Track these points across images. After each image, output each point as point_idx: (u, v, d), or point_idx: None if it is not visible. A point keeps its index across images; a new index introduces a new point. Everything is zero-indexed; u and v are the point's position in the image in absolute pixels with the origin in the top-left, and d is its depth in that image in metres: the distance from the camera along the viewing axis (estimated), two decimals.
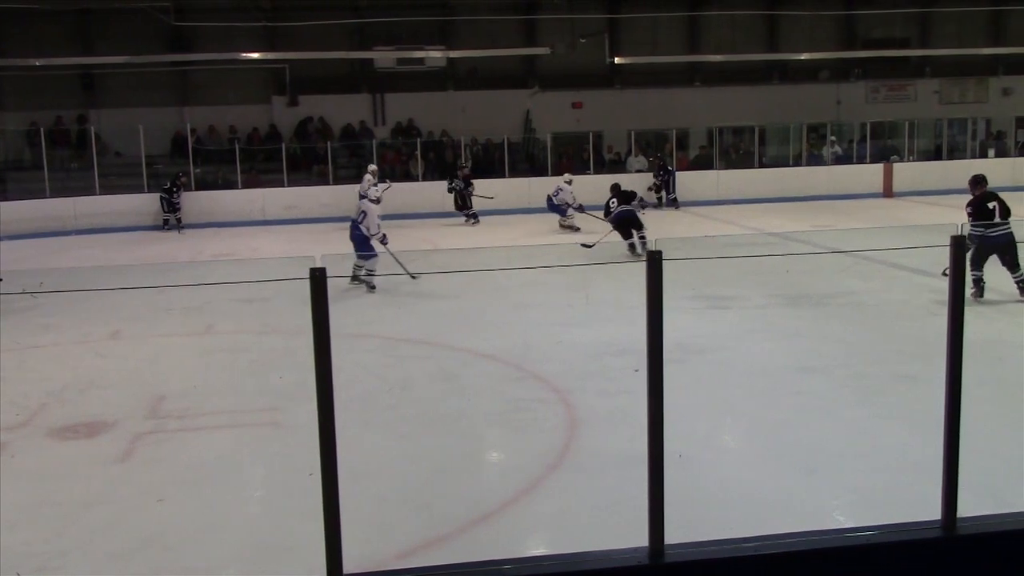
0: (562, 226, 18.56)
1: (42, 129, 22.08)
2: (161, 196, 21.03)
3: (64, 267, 15.21)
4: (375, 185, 17.03)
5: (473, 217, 20.12)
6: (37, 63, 22.35)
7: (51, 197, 21.07)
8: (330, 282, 2.99)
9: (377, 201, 14.65)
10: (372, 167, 18.38)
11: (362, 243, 12.22)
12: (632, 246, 14.49)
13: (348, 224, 12.80)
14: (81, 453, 6.35)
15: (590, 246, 14.34)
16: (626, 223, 14.62)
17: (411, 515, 5.18)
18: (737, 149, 26.25)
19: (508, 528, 5.04)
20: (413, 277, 12.28)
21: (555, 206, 18.59)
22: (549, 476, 5.65)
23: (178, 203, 21.05)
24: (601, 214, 15.61)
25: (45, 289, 12.08)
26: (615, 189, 15.28)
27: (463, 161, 22.84)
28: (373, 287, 12.08)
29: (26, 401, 7.45)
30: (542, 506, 5.30)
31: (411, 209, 20.48)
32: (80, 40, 23.92)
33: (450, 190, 20.36)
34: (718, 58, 26.27)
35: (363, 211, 12.41)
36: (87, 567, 4.68)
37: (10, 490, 5.46)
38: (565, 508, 5.23)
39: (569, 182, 18.65)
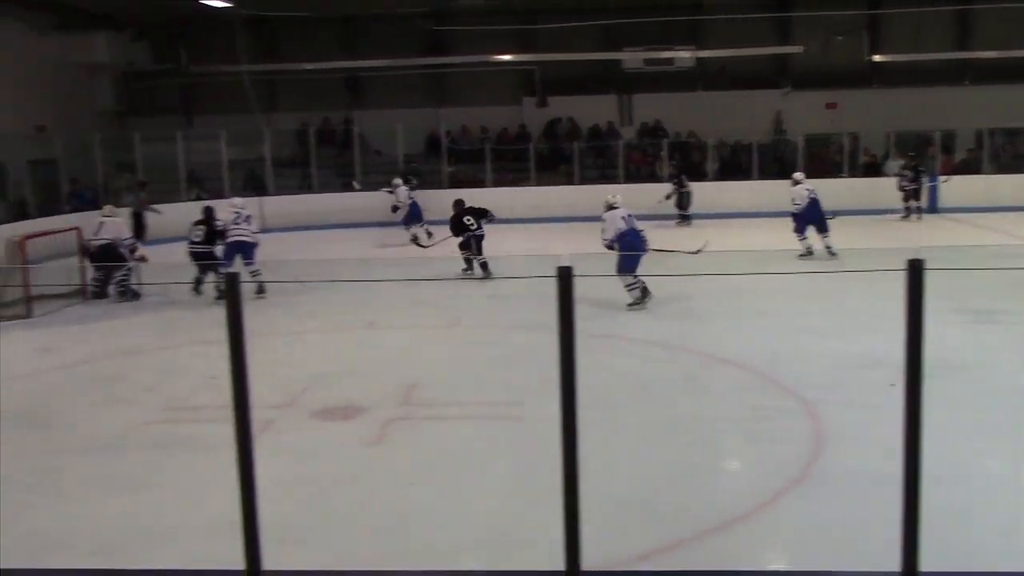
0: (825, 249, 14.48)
1: (311, 129, 23.87)
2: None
3: (327, 258, 16.25)
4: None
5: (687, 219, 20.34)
6: (308, 67, 24.10)
7: (318, 192, 22.80)
8: (576, 281, 3.03)
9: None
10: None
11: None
12: (470, 262, 13.42)
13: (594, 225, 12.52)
14: (338, 434, 6.80)
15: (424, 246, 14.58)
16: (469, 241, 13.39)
17: (646, 517, 5.17)
18: (1009, 152, 24.33)
19: (747, 539, 4.92)
20: (696, 252, 11.74)
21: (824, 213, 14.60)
22: (793, 489, 5.47)
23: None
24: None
25: (311, 279, 12.99)
26: (462, 205, 13.81)
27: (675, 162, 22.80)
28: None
29: (292, 383, 8.05)
30: (783, 520, 5.13)
31: (656, 210, 20.21)
32: (345, 45, 25.49)
33: (684, 193, 20.54)
34: (991, 54, 24.35)
35: (629, 214, 11.32)
36: (342, 541, 4.98)
37: (274, 464, 5.88)
38: (809, 524, 5.03)
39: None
